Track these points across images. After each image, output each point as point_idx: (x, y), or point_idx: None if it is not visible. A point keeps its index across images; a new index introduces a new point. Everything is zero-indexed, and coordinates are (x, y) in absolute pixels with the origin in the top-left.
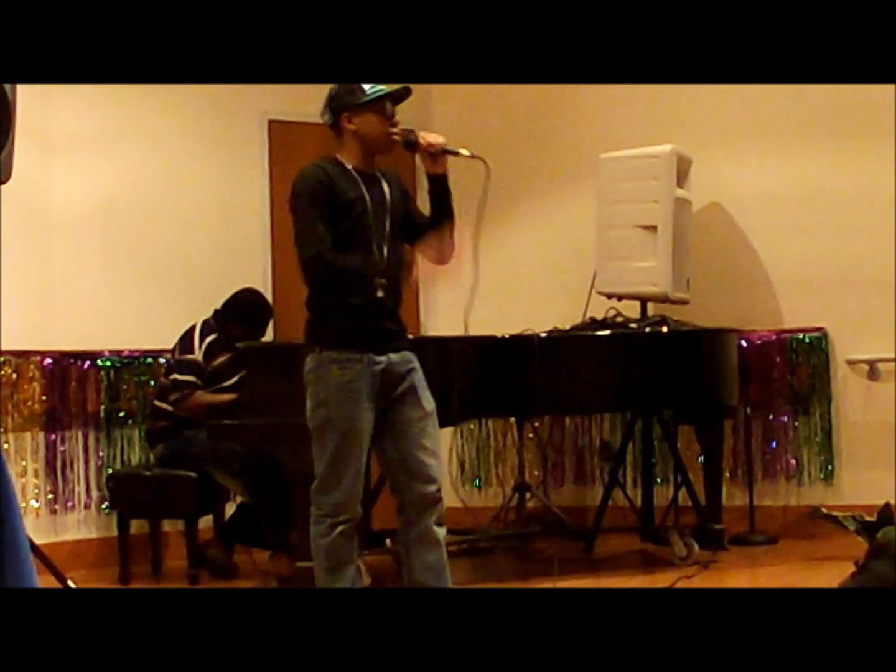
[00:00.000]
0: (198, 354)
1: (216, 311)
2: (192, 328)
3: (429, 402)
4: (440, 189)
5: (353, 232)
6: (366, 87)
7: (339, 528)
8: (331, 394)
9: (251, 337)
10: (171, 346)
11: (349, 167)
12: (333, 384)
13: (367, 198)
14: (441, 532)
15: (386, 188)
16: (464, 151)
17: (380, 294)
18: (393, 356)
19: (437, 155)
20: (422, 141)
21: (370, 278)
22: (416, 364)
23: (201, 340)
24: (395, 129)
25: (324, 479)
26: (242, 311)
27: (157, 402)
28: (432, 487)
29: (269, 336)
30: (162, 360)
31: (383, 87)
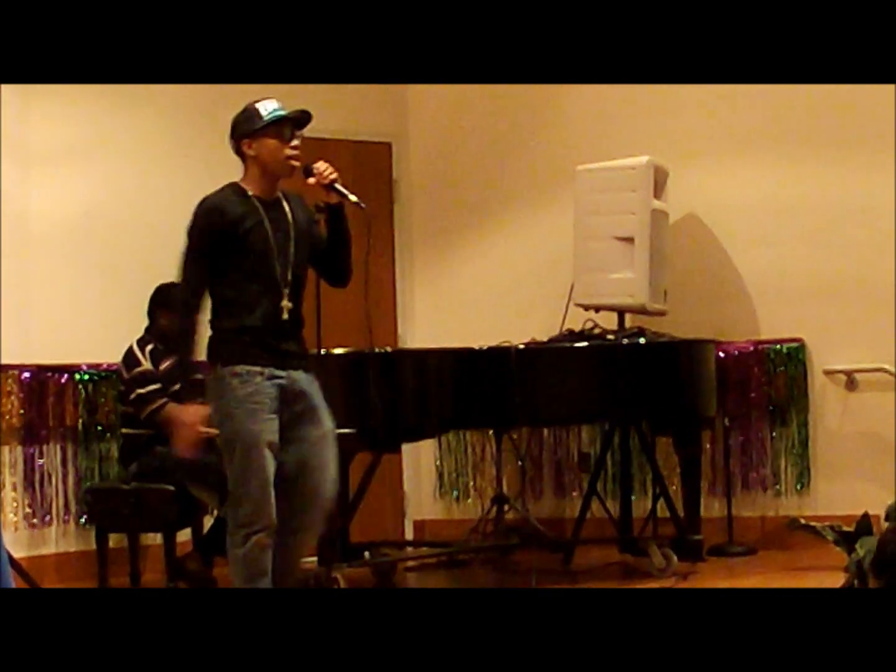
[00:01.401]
0: (146, 365)
1: (146, 327)
2: (130, 347)
3: (328, 422)
4: (335, 217)
5: (252, 258)
6: (263, 112)
7: (253, 538)
8: (233, 408)
9: (173, 317)
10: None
11: (250, 194)
12: (235, 398)
13: (267, 223)
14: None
15: (288, 211)
16: (352, 197)
17: (284, 316)
18: (294, 373)
19: (329, 187)
20: (316, 170)
21: (274, 293)
22: (315, 385)
23: (142, 352)
24: (294, 153)
25: (234, 492)
26: (159, 296)
27: (124, 430)
28: (320, 515)
29: None
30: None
31: (281, 112)
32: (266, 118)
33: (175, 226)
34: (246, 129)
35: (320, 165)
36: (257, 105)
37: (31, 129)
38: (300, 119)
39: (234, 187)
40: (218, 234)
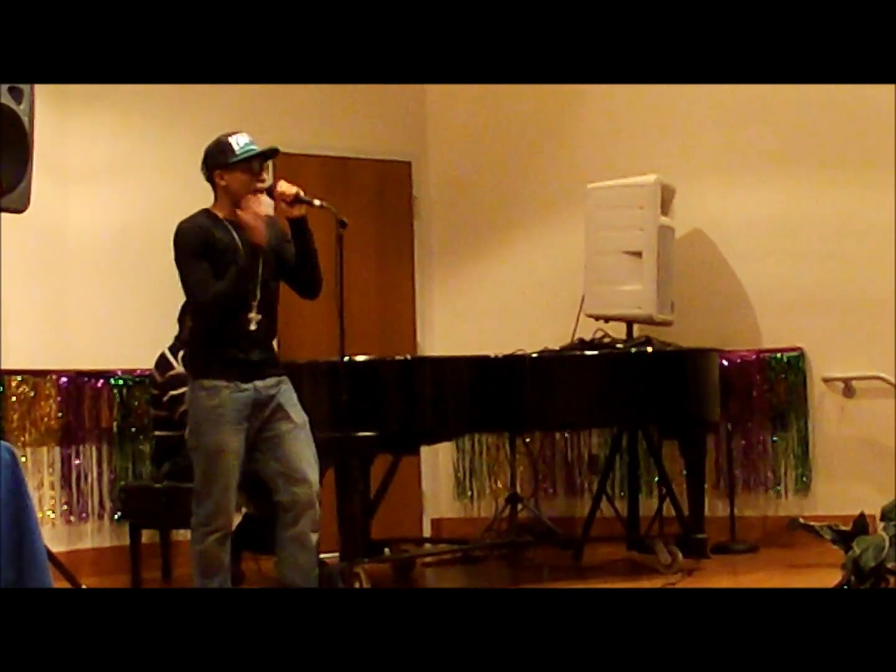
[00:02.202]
0: (178, 369)
1: (176, 335)
2: (162, 353)
3: (299, 416)
4: (299, 231)
5: (227, 274)
6: (236, 147)
7: (211, 537)
8: (200, 418)
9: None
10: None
11: (221, 217)
12: (202, 409)
13: (238, 242)
14: (314, 537)
15: None
16: (316, 202)
17: (252, 327)
18: (259, 383)
19: (292, 203)
20: (277, 190)
21: (242, 305)
22: (286, 384)
23: (174, 357)
24: (262, 186)
25: (197, 493)
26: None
27: (157, 433)
28: (306, 488)
29: None
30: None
31: (252, 148)
32: (239, 154)
33: None
34: (219, 161)
35: (280, 185)
36: (230, 139)
37: (69, 148)
38: (268, 154)
39: (205, 212)
40: (203, 246)
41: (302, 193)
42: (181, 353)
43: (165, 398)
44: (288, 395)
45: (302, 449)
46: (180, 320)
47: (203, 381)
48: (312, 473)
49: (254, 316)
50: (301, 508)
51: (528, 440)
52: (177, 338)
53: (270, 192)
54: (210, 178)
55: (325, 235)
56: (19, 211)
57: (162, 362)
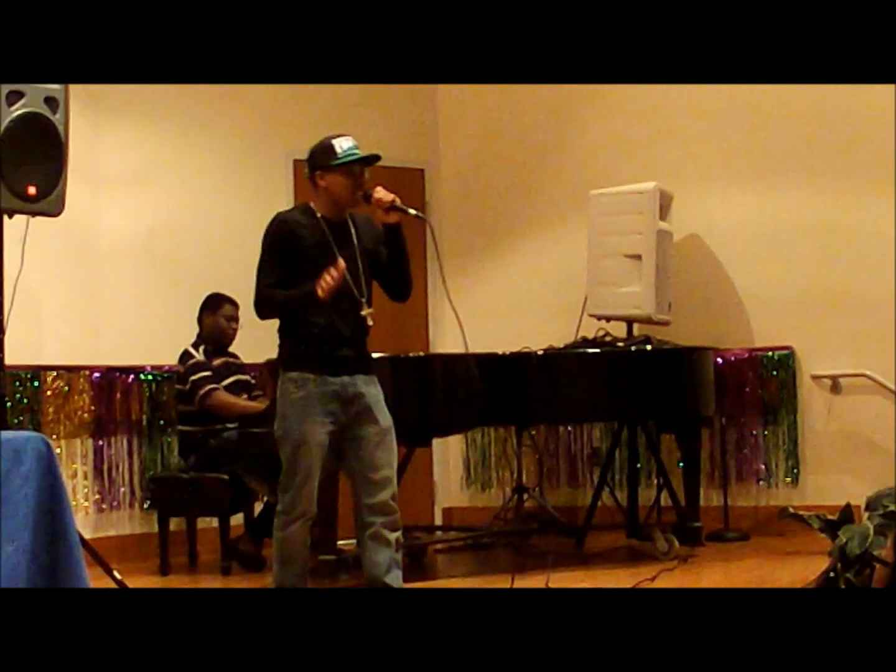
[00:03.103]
0: (199, 357)
1: (197, 334)
2: (186, 349)
3: (385, 419)
4: (393, 236)
5: (316, 271)
6: (339, 150)
7: (293, 525)
8: (287, 409)
9: (217, 317)
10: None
11: (319, 215)
12: (290, 401)
13: (332, 242)
14: (392, 535)
15: (353, 232)
16: (411, 211)
17: (341, 326)
18: (347, 378)
19: (388, 210)
20: (374, 196)
21: (330, 302)
22: (374, 386)
23: (196, 350)
24: (361, 191)
25: (282, 481)
26: (204, 302)
27: (181, 427)
28: (385, 494)
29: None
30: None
31: (355, 153)
32: (342, 157)
33: (229, 241)
34: (322, 162)
35: (378, 191)
36: (334, 141)
37: (101, 155)
38: (370, 159)
39: (304, 207)
40: (286, 245)
41: (398, 201)
42: (202, 348)
43: (188, 385)
44: (376, 398)
45: (385, 454)
46: (199, 318)
47: (291, 373)
48: (393, 478)
49: (367, 312)
50: (379, 511)
51: (533, 433)
52: (198, 335)
53: (368, 197)
54: (312, 178)
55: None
56: (54, 215)
57: (185, 355)
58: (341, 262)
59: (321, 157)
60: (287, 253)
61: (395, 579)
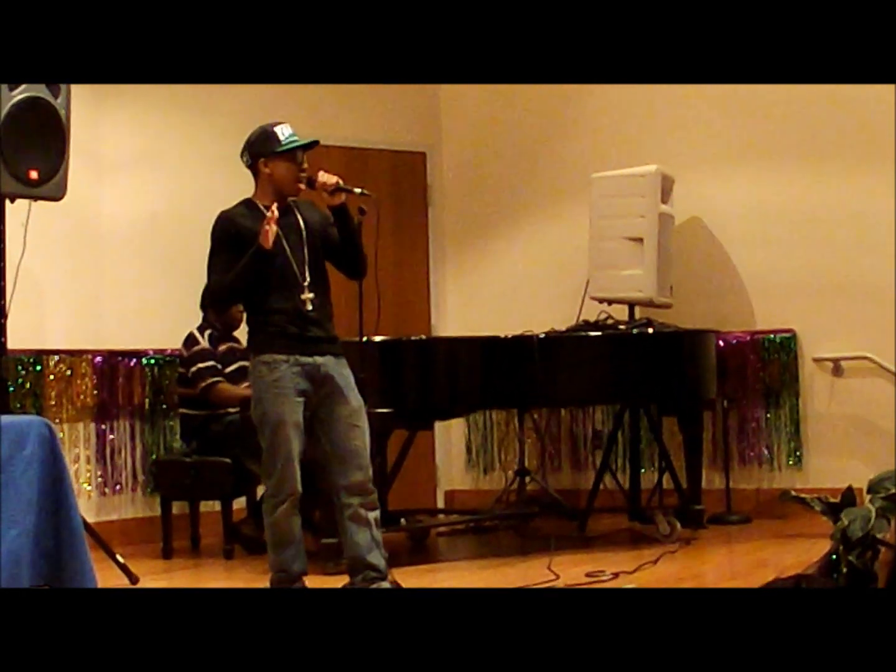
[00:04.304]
0: (204, 344)
1: (203, 316)
2: (191, 332)
3: (356, 399)
4: (341, 217)
5: (268, 262)
6: (281, 137)
7: (280, 507)
8: (262, 392)
9: (223, 317)
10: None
11: (261, 206)
12: (264, 384)
13: (279, 229)
14: (371, 515)
15: (300, 217)
16: (356, 190)
17: (308, 307)
18: (319, 359)
19: (333, 192)
20: (318, 180)
21: (294, 286)
22: (343, 367)
23: (201, 335)
24: (303, 175)
25: (265, 465)
26: (205, 297)
27: (182, 410)
28: (361, 474)
29: None
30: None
31: (296, 139)
32: (284, 143)
33: None
34: (263, 149)
35: (322, 175)
36: (275, 129)
37: (103, 139)
38: (310, 145)
39: (246, 201)
40: (232, 241)
41: (341, 182)
42: (207, 332)
43: (191, 373)
44: (347, 379)
45: (358, 434)
46: (202, 306)
47: (263, 356)
48: (367, 458)
49: (307, 296)
50: (356, 491)
51: (535, 416)
52: (204, 319)
53: (311, 182)
54: (253, 166)
55: (367, 219)
56: (56, 199)
57: (189, 339)
58: (274, 210)
59: (263, 145)
60: (234, 248)
61: (378, 558)
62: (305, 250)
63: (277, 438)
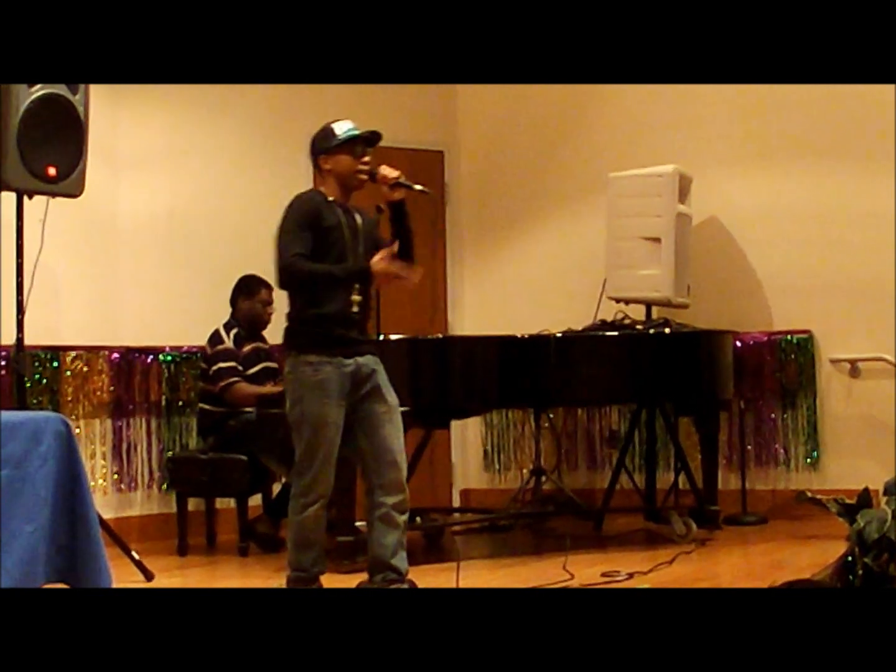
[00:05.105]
0: (229, 344)
1: (231, 313)
2: (217, 329)
3: (392, 398)
4: (398, 213)
5: (331, 254)
6: (338, 131)
7: (310, 508)
8: (304, 392)
9: (254, 302)
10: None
11: (330, 199)
12: (307, 384)
13: (344, 224)
14: (401, 518)
15: (358, 218)
16: (417, 186)
17: (354, 309)
18: (360, 359)
19: (393, 186)
20: (379, 174)
21: (343, 286)
22: (380, 366)
23: (227, 334)
24: (364, 168)
25: (299, 465)
26: (239, 285)
27: (201, 405)
28: (396, 472)
29: None
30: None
31: (354, 131)
32: (340, 137)
33: (249, 223)
34: (323, 146)
35: (382, 169)
36: (333, 125)
37: (120, 136)
38: (370, 138)
39: (317, 192)
40: (312, 220)
41: (403, 177)
42: (233, 332)
43: (212, 371)
44: (384, 378)
45: (394, 432)
46: (233, 299)
47: (308, 356)
48: (402, 457)
49: (355, 298)
50: (390, 491)
51: (551, 416)
52: (232, 316)
53: (373, 175)
54: (316, 164)
55: (420, 218)
56: (74, 196)
57: (214, 337)
58: (394, 248)
59: (322, 141)
60: (311, 228)
61: (401, 561)
62: (360, 251)
63: (317, 439)
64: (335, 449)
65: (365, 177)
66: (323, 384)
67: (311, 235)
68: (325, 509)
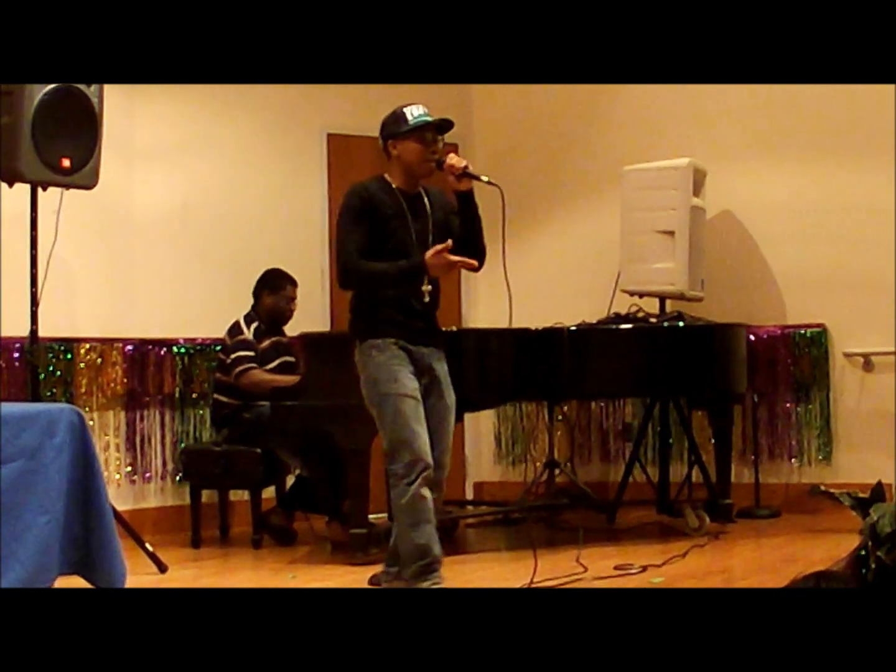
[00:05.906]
0: (248, 335)
1: (252, 306)
2: (237, 321)
3: (451, 397)
4: (466, 204)
5: (392, 243)
6: (409, 117)
7: (412, 487)
8: (376, 373)
9: (278, 298)
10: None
11: (394, 186)
12: (377, 364)
13: (408, 213)
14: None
15: (427, 204)
16: (483, 178)
17: (425, 299)
18: (423, 349)
19: (460, 176)
20: (447, 163)
21: (409, 282)
22: (443, 361)
23: (247, 326)
24: (433, 156)
25: (391, 446)
26: (264, 279)
27: (216, 396)
28: (441, 472)
29: (325, 327)
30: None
31: (426, 118)
32: (411, 123)
33: (263, 215)
34: (393, 130)
35: (451, 157)
36: (405, 109)
37: (136, 129)
38: (442, 125)
39: (379, 179)
40: (368, 213)
41: (470, 168)
42: (254, 325)
43: (230, 359)
44: (445, 374)
45: (446, 431)
46: (256, 293)
47: (374, 340)
48: (447, 458)
49: (426, 288)
50: (432, 487)
51: (565, 409)
52: (253, 309)
53: (440, 164)
54: (385, 148)
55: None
56: (89, 188)
57: (234, 328)
58: (449, 243)
59: (393, 126)
60: (368, 221)
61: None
62: (430, 239)
63: (402, 414)
64: (423, 421)
65: (433, 165)
66: (392, 360)
67: (366, 228)
68: (428, 482)
